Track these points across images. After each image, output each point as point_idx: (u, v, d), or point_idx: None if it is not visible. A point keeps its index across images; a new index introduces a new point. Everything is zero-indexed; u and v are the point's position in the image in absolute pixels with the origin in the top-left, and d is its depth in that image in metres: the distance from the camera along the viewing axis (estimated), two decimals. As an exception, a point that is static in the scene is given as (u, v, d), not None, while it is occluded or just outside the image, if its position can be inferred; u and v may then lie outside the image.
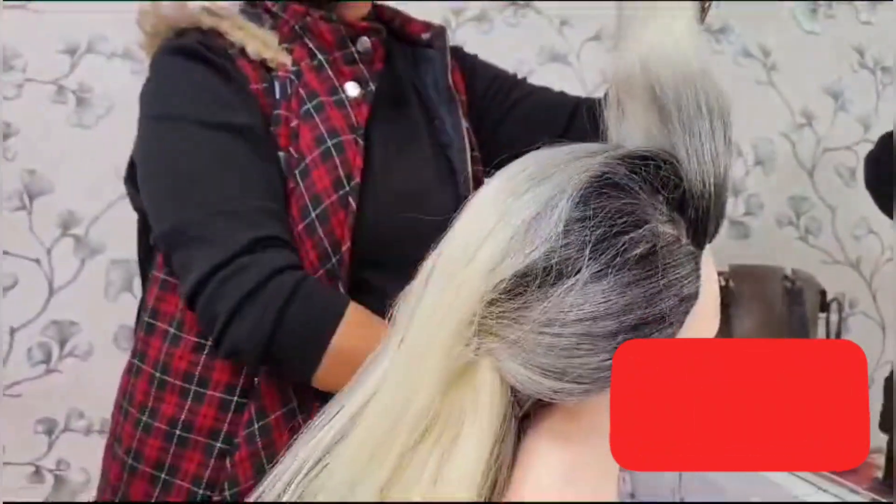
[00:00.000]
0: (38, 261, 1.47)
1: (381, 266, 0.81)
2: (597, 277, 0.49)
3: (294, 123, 0.80)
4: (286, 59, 0.82)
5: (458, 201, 0.76)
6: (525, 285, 0.49)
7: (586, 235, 0.49)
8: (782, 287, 1.54)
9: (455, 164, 0.90)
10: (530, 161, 0.53)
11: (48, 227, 1.48)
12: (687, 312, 0.51)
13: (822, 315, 1.60)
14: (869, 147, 1.45)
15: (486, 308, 0.51)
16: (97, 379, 1.43)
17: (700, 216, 0.53)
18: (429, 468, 0.51)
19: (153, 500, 0.82)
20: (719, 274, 1.51)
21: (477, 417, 0.51)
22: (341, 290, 0.80)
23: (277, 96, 0.81)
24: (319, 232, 0.79)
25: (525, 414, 0.54)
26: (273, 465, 0.53)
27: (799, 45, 1.73)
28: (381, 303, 0.72)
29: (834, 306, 1.60)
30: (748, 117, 1.70)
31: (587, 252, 0.49)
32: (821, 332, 1.61)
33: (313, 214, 0.79)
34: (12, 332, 1.46)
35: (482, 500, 0.52)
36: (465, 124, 0.92)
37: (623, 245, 0.49)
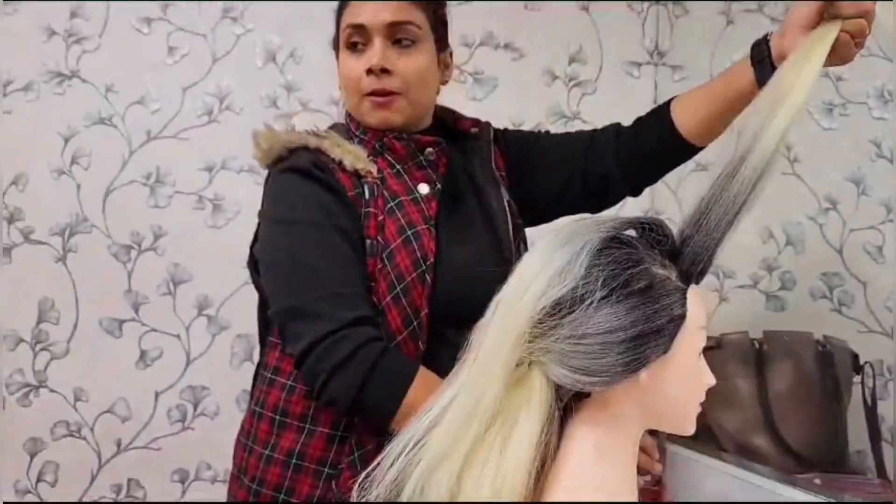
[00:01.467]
0: (178, 336, 1.75)
1: (454, 322, 0.91)
2: (609, 303, 0.72)
3: (381, 218, 0.97)
4: (373, 168, 0.99)
5: (504, 264, 0.97)
6: (560, 310, 0.73)
7: (601, 274, 0.73)
8: (815, 350, 1.63)
9: (500, 234, 1.05)
10: (563, 228, 0.79)
11: (187, 309, 1.75)
12: (678, 328, 0.73)
13: (857, 379, 1.71)
14: (893, 227, 1.55)
15: (534, 327, 0.74)
16: (223, 436, 1.60)
17: (685, 265, 0.77)
18: (495, 447, 0.71)
19: None
20: (754, 339, 1.66)
21: (530, 409, 0.72)
22: (421, 346, 0.95)
23: (367, 197, 0.97)
24: (403, 302, 0.95)
25: (565, 406, 0.76)
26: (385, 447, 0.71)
27: (818, 140, 1.92)
28: (455, 351, 0.88)
29: (868, 370, 1.69)
30: (777, 203, 1.88)
31: (601, 285, 0.73)
32: (856, 396, 1.72)
33: (398, 288, 0.95)
34: (157, 395, 1.73)
35: (535, 471, 0.71)
36: (506, 198, 1.08)
37: (627, 280, 0.73)
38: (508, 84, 1.88)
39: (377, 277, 0.96)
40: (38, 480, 1.70)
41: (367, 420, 0.94)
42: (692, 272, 0.77)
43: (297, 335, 0.92)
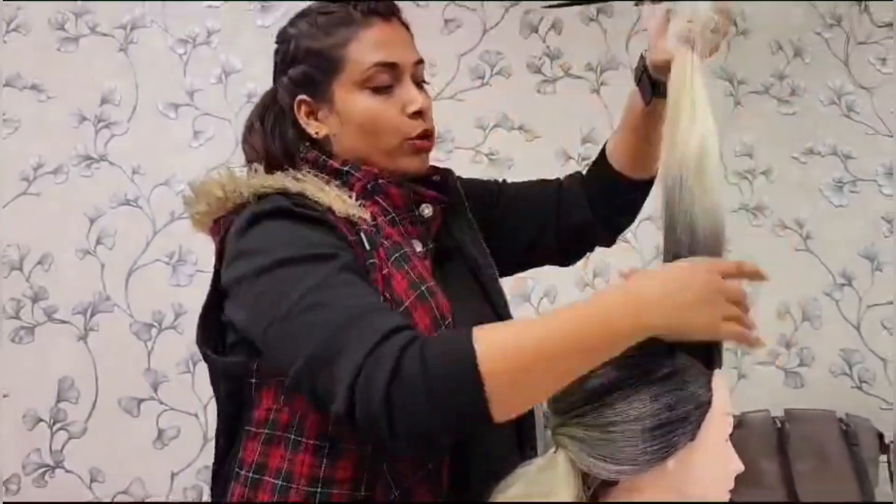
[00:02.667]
0: (196, 415, 1.76)
1: None
2: (634, 392, 0.73)
3: (385, 271, 0.82)
4: (366, 215, 0.85)
5: (492, 310, 0.93)
6: (587, 398, 0.74)
7: (627, 363, 0.73)
8: (838, 429, 1.63)
9: (488, 288, 0.96)
10: None
11: (206, 387, 1.71)
12: (704, 415, 0.74)
13: (883, 458, 1.69)
14: None
15: (561, 414, 0.76)
16: None
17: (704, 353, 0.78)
18: None
19: None
20: (775, 418, 1.65)
21: (557, 497, 0.73)
22: None
23: (368, 248, 0.82)
24: None
25: (593, 493, 0.76)
26: None
27: (830, 217, 1.95)
28: None
29: (893, 449, 1.68)
30: (791, 280, 1.89)
31: (626, 374, 0.74)
32: (883, 476, 1.69)
33: None
34: (173, 475, 1.73)
35: None
36: (482, 244, 0.99)
37: (652, 368, 0.74)
38: (523, 164, 1.93)
39: None
40: None
41: (466, 425, 0.72)
42: (714, 356, 0.77)
43: (330, 384, 0.71)
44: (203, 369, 1.75)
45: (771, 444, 1.59)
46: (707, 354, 0.77)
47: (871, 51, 1.97)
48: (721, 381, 0.77)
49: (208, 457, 1.71)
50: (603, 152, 1.06)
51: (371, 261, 0.82)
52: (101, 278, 1.77)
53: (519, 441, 0.91)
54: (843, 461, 1.62)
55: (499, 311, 0.95)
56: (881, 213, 1.96)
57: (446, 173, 0.99)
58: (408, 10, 0.92)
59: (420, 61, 0.93)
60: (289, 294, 0.75)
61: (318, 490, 0.80)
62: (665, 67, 0.87)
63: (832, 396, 1.85)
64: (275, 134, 0.93)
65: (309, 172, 0.87)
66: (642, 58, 0.93)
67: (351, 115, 0.89)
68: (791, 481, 1.55)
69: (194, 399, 1.77)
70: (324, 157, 0.90)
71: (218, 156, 1.83)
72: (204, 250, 1.77)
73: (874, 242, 1.95)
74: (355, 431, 0.73)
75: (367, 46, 0.89)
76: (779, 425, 1.62)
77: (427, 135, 0.91)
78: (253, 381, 0.85)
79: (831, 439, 1.63)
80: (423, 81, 0.94)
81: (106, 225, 1.79)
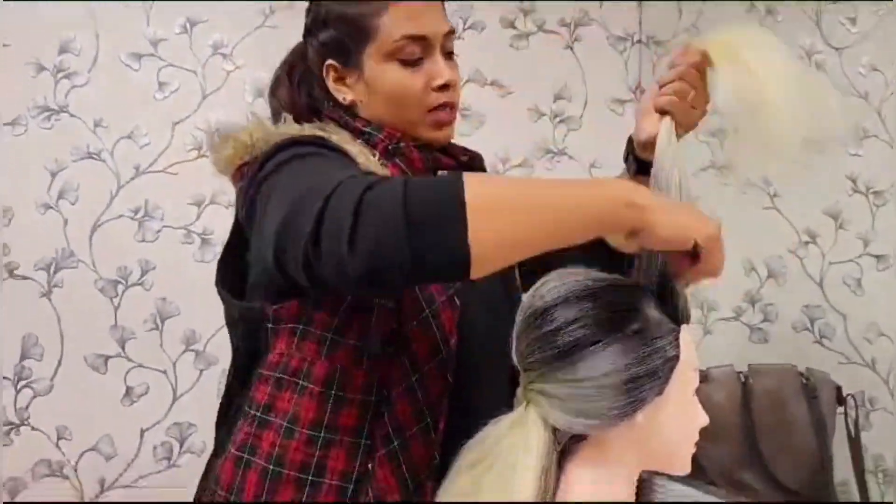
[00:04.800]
0: (165, 372, 1.74)
1: (478, 354, 0.87)
2: (604, 347, 0.74)
3: None
4: (387, 172, 0.86)
5: (511, 303, 0.92)
6: (557, 354, 0.73)
7: (596, 318, 0.74)
8: (799, 384, 1.65)
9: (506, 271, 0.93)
10: (555, 275, 0.80)
11: (174, 344, 1.75)
12: (672, 369, 0.75)
13: (840, 410, 1.74)
14: (871, 260, 1.58)
15: (530, 370, 0.76)
16: None
17: (673, 305, 0.78)
18: (495, 491, 0.72)
19: None
20: (740, 373, 1.69)
21: (528, 452, 0.73)
22: (449, 379, 0.84)
23: None
24: (433, 326, 0.84)
25: (563, 448, 0.77)
26: None
27: (797, 176, 1.99)
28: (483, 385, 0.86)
29: (850, 401, 1.73)
30: (758, 237, 1.92)
31: (597, 330, 0.74)
32: (840, 426, 1.74)
33: (427, 312, 0.85)
34: (142, 432, 1.72)
35: None
36: None
37: (621, 323, 0.74)
38: (495, 120, 1.91)
39: (400, 304, 0.84)
40: None
41: (437, 259, 0.67)
42: (681, 312, 0.78)
43: (295, 237, 0.68)
44: (171, 326, 1.77)
45: (735, 398, 1.62)
46: (674, 310, 0.78)
47: (841, 10, 1.97)
48: (688, 336, 0.78)
49: (178, 414, 1.74)
50: None
51: None
52: (63, 234, 1.73)
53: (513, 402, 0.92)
54: (803, 414, 1.65)
55: (510, 294, 0.95)
56: (846, 172, 1.99)
57: (475, 156, 1.00)
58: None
59: (451, 32, 0.93)
60: (283, 179, 0.78)
61: (321, 435, 0.83)
62: (650, 146, 0.90)
63: (794, 351, 1.90)
64: (301, 90, 0.96)
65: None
66: (630, 140, 0.96)
67: (379, 85, 0.91)
68: (753, 434, 1.59)
69: (163, 356, 1.75)
70: (347, 116, 0.92)
71: (183, 108, 1.79)
72: (171, 206, 1.79)
73: (838, 201, 1.98)
74: (314, 268, 0.68)
75: (397, 17, 0.89)
76: (743, 380, 1.65)
77: (448, 105, 0.92)
78: (269, 325, 0.87)
79: (792, 393, 1.66)
80: (452, 53, 0.94)
81: (68, 179, 1.75)
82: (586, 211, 0.72)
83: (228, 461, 0.87)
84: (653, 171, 0.87)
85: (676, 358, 0.76)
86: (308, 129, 0.87)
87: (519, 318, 0.78)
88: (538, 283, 0.79)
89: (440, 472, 0.79)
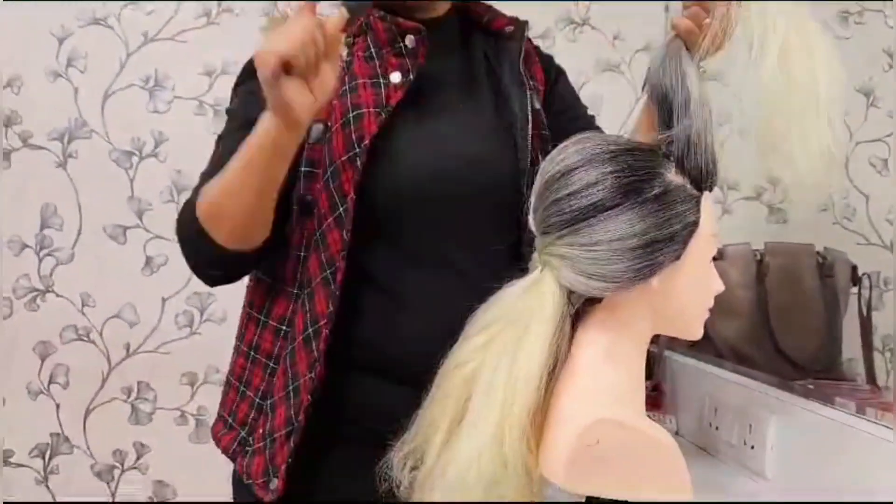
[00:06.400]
0: None
1: (394, 218, 0.93)
2: (623, 210, 0.72)
3: (333, 102, 0.90)
4: (344, 51, 0.92)
5: (515, 172, 0.96)
6: (574, 216, 0.73)
7: (616, 181, 0.73)
8: (815, 261, 1.65)
9: (517, 139, 0.98)
10: (578, 138, 0.78)
11: None
12: (690, 235, 0.74)
13: (855, 290, 1.74)
14: None
15: (547, 233, 0.75)
16: (230, 340, 1.63)
17: (696, 172, 0.76)
18: (508, 352, 0.72)
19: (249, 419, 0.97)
20: (756, 250, 1.68)
21: (542, 314, 0.74)
22: (346, 236, 0.90)
23: None
24: (332, 187, 0.90)
25: (577, 311, 0.77)
26: None
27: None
28: (398, 253, 0.92)
29: (865, 281, 1.72)
30: (784, 115, 1.86)
31: (616, 192, 0.73)
32: (853, 306, 1.76)
33: (328, 173, 0.91)
34: (163, 301, 1.75)
35: (546, 371, 0.73)
36: (535, 106, 1.00)
37: (642, 187, 0.73)
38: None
39: (318, 163, 0.93)
40: (51, 382, 1.73)
41: (213, 251, 0.89)
42: (705, 179, 0.77)
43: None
44: (186, 197, 1.76)
45: (749, 274, 1.62)
46: (698, 174, 0.76)
47: None
48: (709, 202, 0.77)
49: (197, 283, 1.66)
50: None
51: None
52: (75, 103, 1.71)
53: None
54: (816, 291, 1.64)
55: (519, 163, 0.98)
56: (883, 46, 1.89)
57: (519, 24, 1.04)
58: None
59: None
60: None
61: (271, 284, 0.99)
62: None
63: (813, 232, 1.87)
64: None
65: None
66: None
67: None
68: (765, 310, 1.60)
69: None
70: None
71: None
72: (181, 75, 1.75)
73: (872, 77, 1.90)
74: None
75: None
76: (758, 257, 1.65)
77: None
78: None
79: (807, 270, 1.65)
80: None
81: (76, 45, 1.70)
82: (258, 148, 0.82)
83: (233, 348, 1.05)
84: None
85: (696, 223, 0.75)
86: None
87: (537, 182, 0.77)
88: (558, 147, 0.77)
89: (336, 322, 0.91)
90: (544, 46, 1.85)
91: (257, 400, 0.96)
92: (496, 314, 0.75)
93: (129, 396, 1.75)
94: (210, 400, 1.76)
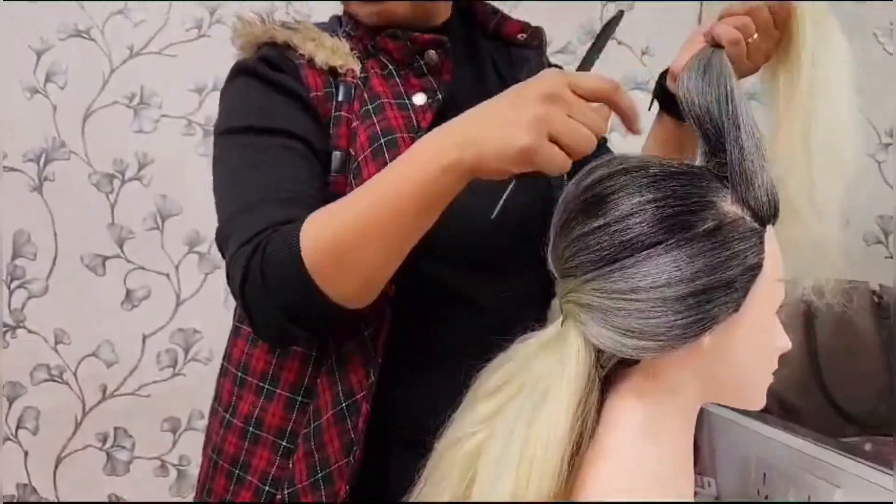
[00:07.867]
0: (167, 275, 1.67)
1: (435, 256, 0.81)
2: (667, 249, 0.59)
3: (354, 125, 0.83)
4: (355, 66, 0.86)
5: (543, 202, 0.83)
6: (603, 256, 0.60)
7: (657, 212, 0.59)
8: (869, 301, 1.55)
9: None
10: (604, 163, 0.64)
11: (177, 245, 1.67)
12: (752, 280, 0.61)
13: (915, 332, 1.61)
14: None
15: (569, 276, 0.61)
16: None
17: (757, 202, 0.62)
18: (521, 424, 0.60)
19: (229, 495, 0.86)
20: (802, 289, 1.55)
21: (564, 378, 0.61)
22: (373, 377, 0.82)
23: (340, 99, 0.84)
24: None
25: (607, 375, 0.63)
26: None
27: (882, 67, 1.75)
28: (441, 289, 0.82)
29: (928, 318, 1.60)
30: (831, 138, 1.73)
31: (658, 226, 0.59)
32: (913, 351, 1.62)
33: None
34: (144, 338, 1.66)
35: (569, 450, 0.61)
36: None
37: (690, 220, 0.59)
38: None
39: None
40: (18, 427, 1.65)
41: (324, 310, 0.75)
42: (767, 210, 0.63)
43: (226, 263, 0.79)
44: (172, 226, 1.66)
45: (795, 315, 1.52)
46: (757, 204, 0.62)
47: None
48: (774, 241, 0.64)
49: (182, 319, 1.64)
50: None
51: (337, 114, 0.83)
52: (53, 121, 1.63)
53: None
54: (872, 335, 1.53)
55: (541, 191, 0.89)
56: (942, 61, 1.76)
57: (534, 31, 0.96)
58: None
59: None
60: (225, 164, 0.83)
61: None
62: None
63: (864, 266, 1.74)
64: None
65: (318, 25, 0.90)
66: (661, 84, 0.89)
67: None
68: (816, 357, 1.51)
69: (164, 258, 1.66)
70: (344, 15, 0.93)
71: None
72: (169, 91, 1.65)
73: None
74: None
75: None
76: (805, 297, 1.52)
77: None
78: None
79: (862, 312, 1.56)
80: None
81: (55, 59, 1.63)
82: (412, 208, 0.70)
83: (219, 370, 0.94)
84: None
85: (759, 266, 0.61)
86: (267, 32, 0.88)
87: (558, 211, 0.64)
88: (584, 170, 0.64)
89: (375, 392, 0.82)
90: (565, 62, 1.77)
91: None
92: (507, 376, 0.64)
93: (104, 443, 1.66)
94: (193, 448, 1.64)
